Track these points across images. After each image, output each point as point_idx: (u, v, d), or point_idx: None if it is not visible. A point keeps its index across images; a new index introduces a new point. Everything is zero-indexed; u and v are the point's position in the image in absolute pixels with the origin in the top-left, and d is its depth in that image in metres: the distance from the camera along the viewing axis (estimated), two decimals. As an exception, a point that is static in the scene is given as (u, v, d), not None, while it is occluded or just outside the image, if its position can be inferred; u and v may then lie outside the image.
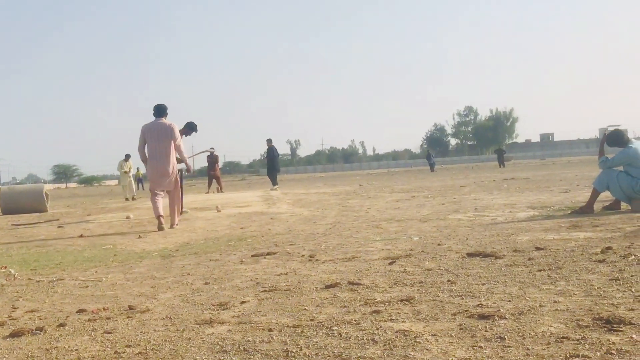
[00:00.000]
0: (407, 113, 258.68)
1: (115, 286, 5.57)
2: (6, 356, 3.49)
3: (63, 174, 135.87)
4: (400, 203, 14.27)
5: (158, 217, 10.89)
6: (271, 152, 29.25)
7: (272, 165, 29.16)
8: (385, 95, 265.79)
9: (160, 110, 11.25)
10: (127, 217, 14.16)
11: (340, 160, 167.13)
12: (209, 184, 28.94)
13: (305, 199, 18.81)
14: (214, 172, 28.48)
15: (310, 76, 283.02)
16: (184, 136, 14.91)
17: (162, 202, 11.19)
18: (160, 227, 10.67)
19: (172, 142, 11.07)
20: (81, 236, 10.58)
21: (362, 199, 16.82)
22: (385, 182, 31.75)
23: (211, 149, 28.54)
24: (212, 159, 28.55)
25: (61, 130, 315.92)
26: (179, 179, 11.54)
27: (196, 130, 14.96)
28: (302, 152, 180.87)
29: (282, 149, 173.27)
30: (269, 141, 29.21)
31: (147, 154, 11.10)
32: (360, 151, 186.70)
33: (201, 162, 65.35)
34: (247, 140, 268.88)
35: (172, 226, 11.01)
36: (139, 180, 51.64)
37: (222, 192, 27.32)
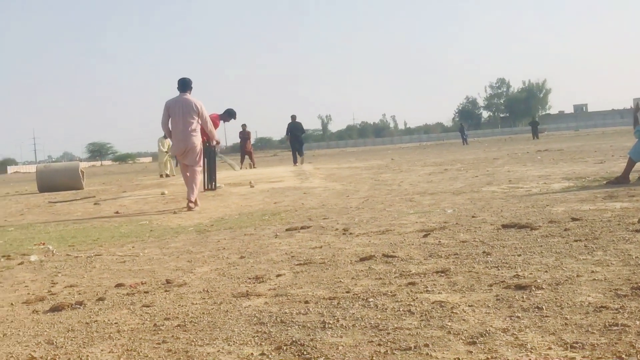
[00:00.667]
0: (438, 86, 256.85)
1: (152, 261, 5.63)
2: (47, 330, 3.54)
3: (98, 151, 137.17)
4: (433, 176, 14.21)
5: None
6: (293, 127, 28.93)
7: (295, 139, 28.92)
8: (416, 68, 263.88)
9: (184, 85, 10.80)
10: (162, 194, 14.26)
11: (371, 134, 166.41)
12: (242, 160, 29.03)
13: (337, 173, 18.81)
14: (247, 148, 28.56)
15: (341, 51, 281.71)
16: (222, 122, 15.02)
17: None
18: (188, 208, 10.29)
19: (198, 118, 10.71)
20: (117, 213, 10.69)
21: (395, 173, 16.77)
22: (417, 155, 31.62)
23: (243, 125, 28.66)
24: (245, 135, 28.61)
25: (96, 108, 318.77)
26: (202, 156, 11.16)
27: (235, 117, 15.03)
28: (334, 127, 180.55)
29: (314, 124, 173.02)
30: (293, 117, 29.04)
31: (170, 129, 10.81)
32: (392, 125, 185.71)
33: (234, 139, 66.28)
34: (279, 116, 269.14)
35: (188, 202, 10.36)
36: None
37: (254, 167, 27.42)
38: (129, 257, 5.90)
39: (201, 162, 11.09)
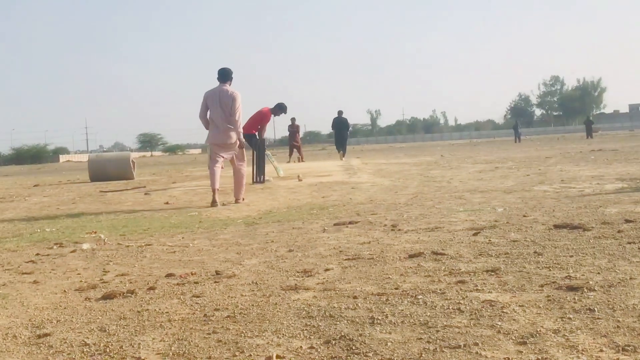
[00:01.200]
0: (490, 83, 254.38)
1: (201, 252, 5.70)
2: (99, 317, 3.62)
3: (148, 142, 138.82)
4: (484, 174, 14.09)
5: (213, 190, 10.17)
6: (339, 122, 29.00)
7: (339, 134, 28.99)
8: (468, 64, 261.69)
9: (224, 75, 10.33)
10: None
11: (421, 130, 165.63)
12: (290, 154, 29.12)
13: (385, 169, 18.77)
14: (295, 142, 28.64)
15: (392, 44, 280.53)
16: (273, 115, 15.10)
17: (220, 172, 10.41)
18: (213, 203, 10.00)
19: (234, 110, 10.15)
20: (167, 203, 10.82)
21: (444, 170, 16.67)
22: (467, 152, 31.37)
23: (292, 119, 28.73)
24: (293, 128, 28.68)
25: (147, 100, 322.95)
26: (243, 151, 10.63)
27: (285, 112, 15.10)
28: (383, 122, 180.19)
29: (363, 119, 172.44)
30: (340, 112, 29.11)
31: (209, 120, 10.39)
32: (442, 121, 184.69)
33: (282, 132, 66.30)
34: (328, 110, 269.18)
35: (236, 201, 10.29)
36: None
37: (303, 161, 27.49)
38: (179, 248, 5.98)
39: (244, 160, 10.65)
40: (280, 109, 14.79)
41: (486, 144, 56.29)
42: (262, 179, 14.47)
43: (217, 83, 10.33)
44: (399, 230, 6.34)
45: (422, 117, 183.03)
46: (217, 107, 10.14)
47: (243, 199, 10.38)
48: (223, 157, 10.43)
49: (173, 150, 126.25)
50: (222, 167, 10.68)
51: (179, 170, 26.47)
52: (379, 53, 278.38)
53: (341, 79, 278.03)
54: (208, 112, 10.30)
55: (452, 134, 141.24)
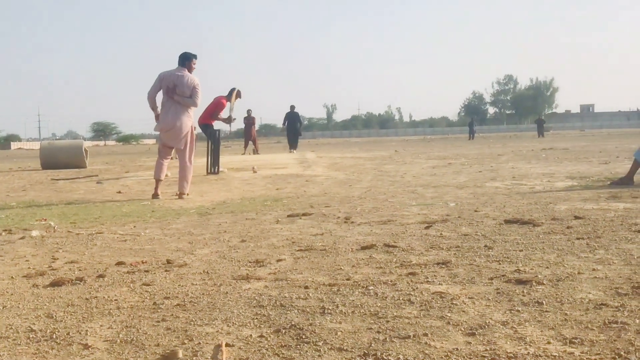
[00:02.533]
0: (445, 80, 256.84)
1: (153, 241, 5.64)
2: (47, 304, 3.56)
3: (102, 131, 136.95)
4: (437, 170, 14.20)
5: (156, 180, 9.77)
6: (291, 117, 29.14)
7: (292, 129, 29.14)
8: (423, 61, 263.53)
9: (183, 59, 9.71)
10: (165, 175, 14.26)
11: (376, 125, 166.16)
12: (245, 145, 29.00)
13: (340, 162, 18.81)
14: (251, 134, 28.52)
15: (348, 40, 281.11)
16: (228, 103, 15.06)
17: (167, 164, 10.00)
18: (154, 195, 9.58)
19: (190, 98, 9.59)
20: (119, 192, 10.71)
21: (398, 165, 16.77)
22: (421, 148, 31.59)
23: (248, 110, 28.61)
24: (250, 120, 28.56)
25: (101, 88, 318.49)
26: (193, 140, 9.96)
27: (240, 97, 15.06)
28: (338, 117, 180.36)
29: (319, 113, 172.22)
30: (292, 107, 29.23)
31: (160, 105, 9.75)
32: (397, 117, 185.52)
33: (238, 124, 66.34)
34: (284, 103, 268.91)
35: (180, 195, 9.61)
36: None
37: (258, 153, 27.40)
38: (130, 237, 5.91)
39: (193, 151, 9.96)
40: (233, 93, 14.87)
41: (440, 140, 56.78)
42: (216, 170, 14.39)
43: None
44: (352, 222, 6.35)
45: (378, 113, 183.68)
46: (171, 91, 9.54)
47: (187, 194, 9.69)
48: (173, 147, 9.91)
49: (127, 139, 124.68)
50: (171, 158, 10.44)
51: (132, 160, 26.20)
52: (335, 47, 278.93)
53: (297, 72, 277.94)
54: (160, 97, 9.71)
55: (407, 129, 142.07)
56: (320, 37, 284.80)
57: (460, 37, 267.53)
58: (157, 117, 9.77)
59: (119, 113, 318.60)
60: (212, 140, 14.56)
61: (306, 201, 8.47)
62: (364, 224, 6.24)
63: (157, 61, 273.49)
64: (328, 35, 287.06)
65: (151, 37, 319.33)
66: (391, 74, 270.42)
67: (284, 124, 29.36)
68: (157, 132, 9.98)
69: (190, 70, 9.74)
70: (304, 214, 7.01)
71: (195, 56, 9.85)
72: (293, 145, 28.99)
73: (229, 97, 14.93)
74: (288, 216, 6.96)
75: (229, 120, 15.09)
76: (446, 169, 14.42)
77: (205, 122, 15.00)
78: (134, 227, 6.58)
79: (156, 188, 9.68)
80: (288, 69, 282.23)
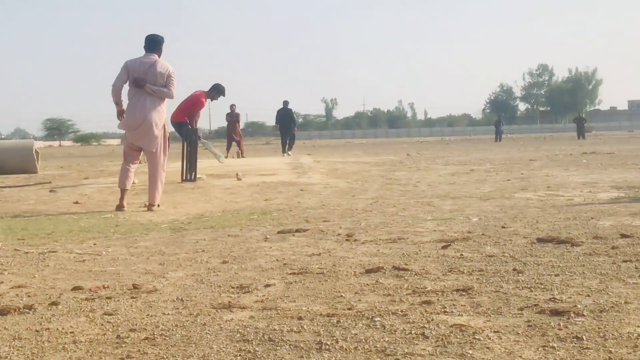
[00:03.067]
0: (467, 71, 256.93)
1: (116, 261, 5.64)
2: (-11, 337, 3.55)
3: (56, 129, 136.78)
4: (457, 177, 14.22)
5: (121, 189, 9.75)
6: (284, 114, 29.31)
7: (285, 128, 29.27)
8: (440, 48, 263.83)
9: (153, 43, 9.69)
10: (132, 183, 14.25)
11: (384, 124, 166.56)
12: (228, 147, 28.98)
13: (341, 168, 18.83)
14: (235, 134, 28.51)
15: (352, 21, 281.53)
16: (209, 100, 15.06)
17: (135, 169, 10.03)
18: (119, 206, 9.56)
19: (164, 88, 9.55)
20: (77, 202, 10.70)
21: (411, 171, 16.80)
22: (438, 152, 31.64)
23: (232, 105, 28.62)
24: (233, 117, 28.57)
25: (56, 79, 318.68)
26: (167, 141, 10.01)
27: (223, 94, 15.06)
28: (339, 114, 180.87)
29: (316, 109, 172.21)
30: (285, 103, 29.34)
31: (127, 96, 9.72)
32: (409, 114, 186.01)
33: (219, 122, 64.42)
34: (274, 97, 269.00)
35: (149, 207, 9.57)
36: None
37: (243, 157, 27.40)
38: (90, 256, 5.92)
39: (166, 155, 10.00)
40: (217, 91, 14.80)
41: (461, 142, 56.88)
42: (193, 176, 14.38)
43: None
44: (355, 240, 6.36)
45: (386, 109, 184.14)
46: (141, 81, 9.46)
47: (158, 205, 9.67)
48: (141, 149, 9.86)
49: (86, 139, 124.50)
50: (140, 162, 10.39)
51: (92, 164, 26.20)
52: (336, 30, 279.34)
53: (291, 61, 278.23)
54: (127, 88, 9.64)
55: (421, 129, 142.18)
56: (318, 18, 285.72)
57: (485, 18, 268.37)
58: (120, 112, 9.75)
59: (77, 108, 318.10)
60: (188, 141, 14.56)
61: (300, 214, 8.48)
62: (369, 242, 6.25)
63: (122, 46, 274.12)
64: (327, 16, 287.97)
65: (113, 18, 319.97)
66: (403, 62, 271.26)
67: (276, 123, 29.48)
68: (123, 131, 9.97)
69: (160, 56, 9.76)
70: (297, 230, 7.02)
71: (163, 40, 9.87)
72: (287, 147, 29.04)
73: (210, 95, 14.91)
74: (279, 232, 6.97)
75: (194, 132, 14.94)
76: (468, 176, 14.45)
77: (180, 119, 14.96)
78: (94, 244, 6.58)
79: (121, 198, 9.67)
80: (279, 56, 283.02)
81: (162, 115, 9.79)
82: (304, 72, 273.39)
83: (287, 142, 29.09)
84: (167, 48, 9.87)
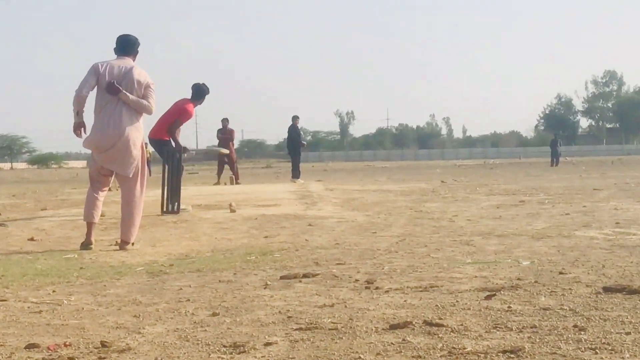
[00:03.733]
0: (515, 79, 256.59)
1: (81, 313, 5.64)
2: None
3: (7, 148, 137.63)
4: (503, 210, 14.20)
5: (87, 223, 9.75)
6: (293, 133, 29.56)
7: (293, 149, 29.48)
8: (483, 51, 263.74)
9: (127, 44, 9.81)
10: (101, 215, 14.27)
11: (413, 143, 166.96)
12: (219, 172, 29.05)
13: (360, 198, 18.83)
14: (228, 154, 28.52)
15: (374, 19, 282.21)
16: (197, 106, 15.09)
17: (103, 198, 10.02)
18: (85, 243, 9.55)
19: (144, 101, 9.58)
20: (32, 239, 10.71)
21: (445, 202, 16.78)
22: (479, 178, 31.62)
23: (224, 120, 28.69)
24: (225, 134, 28.63)
25: (5, 89, 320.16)
26: (145, 164, 10.01)
27: (207, 93, 15.08)
28: (358, 130, 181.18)
29: (329, 125, 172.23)
30: (294, 119, 29.56)
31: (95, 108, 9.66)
32: (444, 132, 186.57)
33: (208, 139, 63.89)
34: (277, 109, 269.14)
35: (122, 244, 9.61)
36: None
37: (238, 183, 27.46)
38: (48, 306, 5.92)
39: (143, 184, 9.96)
40: (199, 94, 14.83)
41: (508, 166, 56.87)
42: (176, 207, 14.36)
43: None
44: (377, 288, 6.35)
45: (416, 125, 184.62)
46: (114, 88, 9.41)
47: (133, 244, 9.69)
48: (112, 173, 9.86)
49: (44, 161, 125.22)
50: (110, 189, 10.34)
51: (51, 191, 26.28)
52: (355, 28, 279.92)
53: (296, 65, 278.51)
54: (96, 98, 9.58)
55: (459, 150, 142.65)
56: (334, 14, 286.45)
57: (538, 14, 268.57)
58: (79, 125, 9.66)
59: (32, 123, 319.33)
60: (171, 163, 14.56)
61: (309, 255, 8.49)
62: (394, 290, 6.24)
63: (87, 52, 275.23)
64: (345, 11, 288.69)
65: (77, 18, 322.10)
66: (435, 69, 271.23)
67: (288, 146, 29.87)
68: (89, 151, 9.94)
69: (134, 60, 9.82)
70: (305, 275, 7.02)
71: (139, 42, 9.96)
72: (295, 172, 29.09)
73: (195, 99, 14.94)
74: (282, 278, 6.97)
75: (183, 149, 14.96)
76: (517, 209, 14.42)
77: (161, 136, 14.93)
78: (54, 291, 6.59)
79: (88, 234, 9.68)
80: (284, 59, 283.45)
81: (141, 132, 9.80)
82: (314, 79, 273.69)
83: (295, 165, 29.22)
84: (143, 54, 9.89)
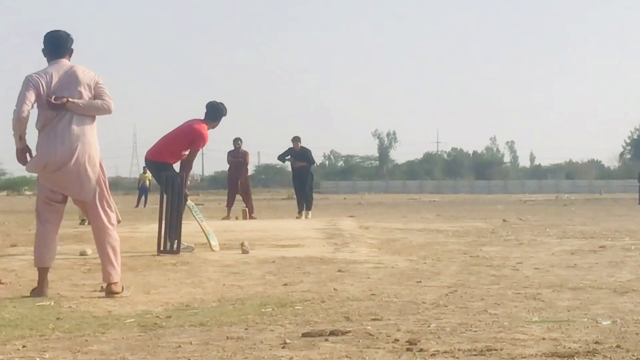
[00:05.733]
0: (594, 97, 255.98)
1: (57, 374, 5.66)
2: None
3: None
4: (579, 257, 14.15)
5: (39, 268, 9.72)
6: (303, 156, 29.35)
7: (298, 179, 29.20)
8: (553, 66, 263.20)
9: (58, 43, 9.72)
10: (82, 254, 14.30)
11: (469, 172, 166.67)
12: (230, 203, 28.94)
13: (401, 239, 18.82)
14: (241, 182, 28.45)
15: (418, 23, 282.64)
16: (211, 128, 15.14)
17: (57, 234, 9.95)
18: (37, 290, 9.56)
19: (100, 101, 9.53)
20: (1, 283, 10.75)
21: (508, 246, 16.74)
22: (551, 217, 31.54)
23: (236, 140, 28.66)
24: (238, 157, 28.57)
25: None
26: (105, 181, 9.88)
27: (225, 114, 15.15)
28: (400, 155, 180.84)
29: (365, 148, 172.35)
30: (296, 140, 28.82)
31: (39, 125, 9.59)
32: (507, 159, 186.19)
33: (217, 164, 63.06)
34: (299, 131, 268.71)
35: (109, 289, 9.56)
36: (143, 190, 50.28)
37: (252, 217, 27.45)
38: (17, 365, 5.95)
39: (108, 204, 9.84)
40: (216, 113, 14.89)
41: (585, 202, 56.76)
42: (175, 246, 14.35)
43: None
44: (421, 350, 6.35)
45: (472, 150, 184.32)
46: (55, 103, 9.36)
47: (121, 292, 9.55)
48: (65, 201, 9.84)
49: (16, 186, 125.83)
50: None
51: (23, 224, 26.37)
52: (395, 35, 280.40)
53: (325, 75, 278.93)
54: (38, 113, 9.57)
55: (525, 182, 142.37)
56: (369, 17, 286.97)
57: (620, 20, 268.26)
58: (23, 151, 9.64)
59: (3, 144, 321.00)
60: (170, 191, 14.56)
61: (338, 308, 8.48)
62: (442, 353, 6.24)
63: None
64: (382, 15, 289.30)
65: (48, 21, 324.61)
66: (497, 82, 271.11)
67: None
68: (35, 175, 9.80)
69: (70, 59, 9.79)
70: (332, 333, 7.01)
71: (72, 38, 9.88)
72: (303, 204, 28.76)
73: (210, 120, 14.96)
74: (304, 335, 6.97)
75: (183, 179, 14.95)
76: (596, 256, 14.37)
77: (164, 159, 14.89)
78: (24, 347, 6.61)
79: (40, 282, 9.61)
80: (308, 68, 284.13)
81: (96, 145, 9.70)
82: (345, 92, 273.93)
83: (302, 196, 28.92)
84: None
